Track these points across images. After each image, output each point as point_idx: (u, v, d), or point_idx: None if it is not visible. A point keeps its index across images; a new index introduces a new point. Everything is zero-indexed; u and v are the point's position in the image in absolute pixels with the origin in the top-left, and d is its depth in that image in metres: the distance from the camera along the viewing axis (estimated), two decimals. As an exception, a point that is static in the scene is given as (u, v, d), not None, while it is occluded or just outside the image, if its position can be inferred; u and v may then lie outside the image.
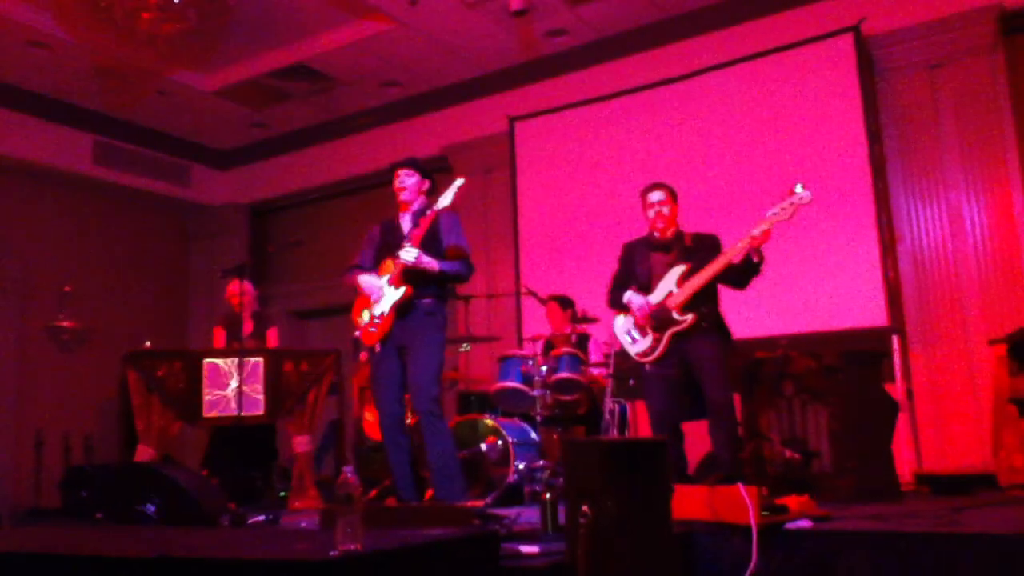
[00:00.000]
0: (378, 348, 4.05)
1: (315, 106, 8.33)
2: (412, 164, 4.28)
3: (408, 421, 4.29)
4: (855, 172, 5.98)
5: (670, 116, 6.79)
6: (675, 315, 4.06)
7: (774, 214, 4.02)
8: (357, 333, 4.12)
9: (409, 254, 3.91)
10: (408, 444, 4.11)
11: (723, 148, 6.51)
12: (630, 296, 4.17)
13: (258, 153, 9.24)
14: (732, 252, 4.09)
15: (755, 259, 4.06)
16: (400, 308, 3.97)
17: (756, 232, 3.99)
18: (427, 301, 4.03)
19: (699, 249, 4.23)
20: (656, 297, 4.16)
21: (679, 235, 4.31)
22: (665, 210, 4.29)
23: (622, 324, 4.26)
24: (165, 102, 8.11)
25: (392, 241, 4.15)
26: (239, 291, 5.59)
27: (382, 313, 3.99)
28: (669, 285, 4.14)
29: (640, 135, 6.91)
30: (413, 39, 7.08)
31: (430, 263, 3.97)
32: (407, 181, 4.21)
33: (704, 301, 4.13)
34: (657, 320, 4.11)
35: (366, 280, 4.09)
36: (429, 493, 4.19)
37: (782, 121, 6.33)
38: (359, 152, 8.52)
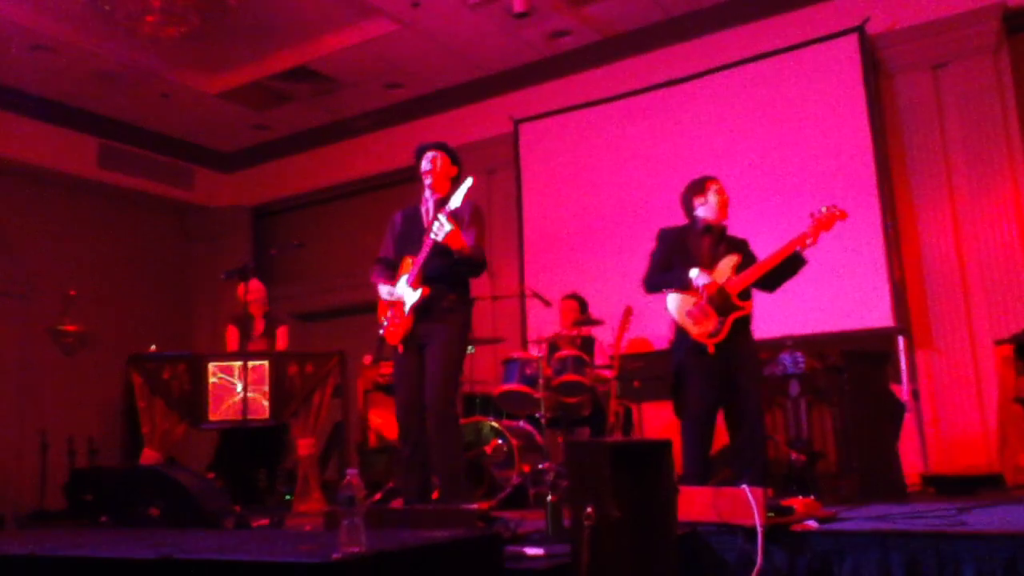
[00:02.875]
0: (400, 348, 4.02)
1: (318, 108, 8.34)
2: (442, 147, 4.13)
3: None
4: (860, 173, 5.97)
5: (675, 117, 6.78)
6: (735, 301, 3.97)
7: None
8: (381, 331, 4.08)
9: (443, 228, 3.72)
10: (423, 435, 3.97)
11: (728, 149, 6.49)
12: (697, 274, 4.00)
13: (261, 156, 9.25)
14: (795, 242, 3.95)
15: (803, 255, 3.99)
16: (419, 308, 3.92)
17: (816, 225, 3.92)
18: (449, 298, 3.93)
19: (739, 244, 4.18)
20: (717, 279, 4.03)
21: (722, 226, 4.24)
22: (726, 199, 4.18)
23: (681, 303, 4.05)
24: (168, 105, 8.12)
25: (414, 231, 4.04)
26: (251, 290, 5.60)
27: (402, 315, 3.96)
28: (725, 271, 4.02)
29: (644, 136, 6.91)
30: (416, 41, 7.08)
31: (462, 241, 3.80)
32: (437, 163, 4.05)
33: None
34: (718, 302, 3.98)
35: (385, 291, 4.04)
36: (435, 495, 4.17)
37: (787, 122, 6.32)
38: (362, 154, 8.53)
